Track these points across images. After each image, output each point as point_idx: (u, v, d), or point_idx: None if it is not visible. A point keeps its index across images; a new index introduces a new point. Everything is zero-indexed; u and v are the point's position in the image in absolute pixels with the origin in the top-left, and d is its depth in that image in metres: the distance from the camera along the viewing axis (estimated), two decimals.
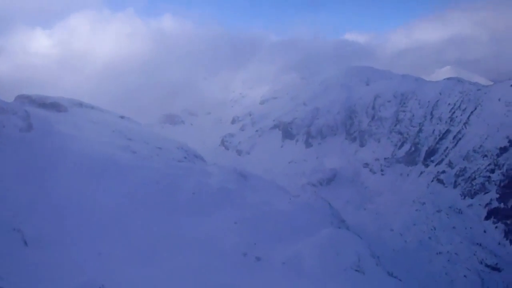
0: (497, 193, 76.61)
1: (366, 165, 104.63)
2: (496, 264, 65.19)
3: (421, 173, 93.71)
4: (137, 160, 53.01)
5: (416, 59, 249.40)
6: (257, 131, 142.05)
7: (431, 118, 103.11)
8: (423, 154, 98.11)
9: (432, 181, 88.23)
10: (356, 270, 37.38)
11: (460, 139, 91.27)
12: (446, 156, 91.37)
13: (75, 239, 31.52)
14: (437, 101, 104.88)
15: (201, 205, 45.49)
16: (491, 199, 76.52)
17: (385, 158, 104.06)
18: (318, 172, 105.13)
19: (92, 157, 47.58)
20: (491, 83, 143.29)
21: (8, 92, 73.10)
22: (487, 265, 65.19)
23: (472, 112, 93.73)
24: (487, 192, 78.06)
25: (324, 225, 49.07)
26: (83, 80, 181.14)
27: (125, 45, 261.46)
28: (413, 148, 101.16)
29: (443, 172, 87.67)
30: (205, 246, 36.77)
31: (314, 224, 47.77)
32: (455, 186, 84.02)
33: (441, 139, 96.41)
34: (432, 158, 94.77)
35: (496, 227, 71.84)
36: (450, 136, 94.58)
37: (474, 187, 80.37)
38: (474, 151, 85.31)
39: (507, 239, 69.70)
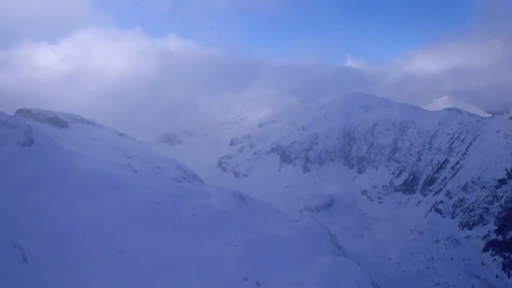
0: (495, 225, 76.32)
1: (364, 192, 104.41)
2: None
3: (419, 202, 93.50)
4: (138, 179, 52.63)
5: (414, 88, 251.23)
6: (255, 153, 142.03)
7: (430, 147, 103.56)
8: (421, 183, 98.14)
9: (430, 210, 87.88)
10: None
11: (458, 169, 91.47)
12: (444, 186, 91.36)
13: (74, 257, 30.98)
14: (436, 131, 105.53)
15: (202, 226, 45.00)
16: (489, 231, 76.15)
17: (383, 186, 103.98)
18: (316, 198, 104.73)
19: (94, 174, 47.21)
20: (487, 114, 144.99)
21: (11, 106, 72.92)
22: None
23: (471, 143, 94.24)
24: (485, 224, 77.76)
25: (324, 252, 48.56)
26: (86, 96, 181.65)
27: (130, 63, 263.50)
28: (411, 177, 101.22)
29: (441, 202, 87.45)
30: (205, 269, 36.22)
31: (314, 251, 47.27)
32: (453, 217, 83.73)
33: (439, 169, 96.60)
34: (430, 188, 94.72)
35: (494, 259, 71.23)
36: (449, 166, 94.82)
37: (472, 218, 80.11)
38: (473, 182, 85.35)
39: (505, 272, 68.94)
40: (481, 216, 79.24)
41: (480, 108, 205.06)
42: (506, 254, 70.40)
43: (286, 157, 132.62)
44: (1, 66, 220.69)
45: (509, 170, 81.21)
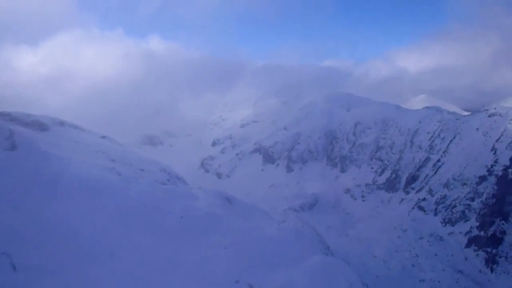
0: (477, 221, 77.81)
1: (347, 191, 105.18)
2: None
3: (402, 200, 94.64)
4: (124, 183, 51.66)
5: (393, 87, 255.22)
6: (237, 154, 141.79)
7: (411, 145, 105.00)
8: (403, 181, 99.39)
9: (413, 208, 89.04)
10: None
11: (439, 167, 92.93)
12: (426, 183, 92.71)
13: (66, 264, 30.13)
14: (417, 129, 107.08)
15: (190, 229, 44.44)
16: (471, 227, 77.59)
17: (366, 184, 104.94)
18: (300, 197, 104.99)
19: (80, 179, 46.09)
20: (464, 112, 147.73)
21: None
22: None
23: (451, 141, 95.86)
24: (467, 220, 79.22)
25: (313, 251, 48.67)
26: (68, 98, 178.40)
27: (112, 65, 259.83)
28: (393, 175, 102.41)
29: (424, 199, 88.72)
30: (196, 272, 35.75)
31: (303, 251, 47.27)
32: (435, 214, 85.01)
33: (421, 166, 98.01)
34: (412, 185, 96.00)
35: (477, 254, 72.61)
36: (430, 164, 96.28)
37: (454, 215, 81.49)
38: (454, 179, 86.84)
39: (487, 267, 70.40)
40: (463, 212, 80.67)
41: (457, 106, 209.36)
42: (489, 250, 71.83)
43: (268, 157, 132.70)
44: None
45: (489, 167, 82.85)
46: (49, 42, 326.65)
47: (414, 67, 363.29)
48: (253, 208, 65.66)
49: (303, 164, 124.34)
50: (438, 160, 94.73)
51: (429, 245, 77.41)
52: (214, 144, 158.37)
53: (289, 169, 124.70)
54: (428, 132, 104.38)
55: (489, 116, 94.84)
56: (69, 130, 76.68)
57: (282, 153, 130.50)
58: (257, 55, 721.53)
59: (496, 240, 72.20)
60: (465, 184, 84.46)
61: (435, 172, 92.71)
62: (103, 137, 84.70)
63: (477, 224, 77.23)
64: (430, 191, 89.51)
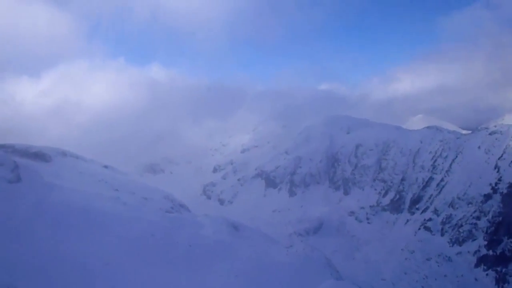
0: (484, 240, 77.18)
1: (351, 213, 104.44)
2: None
3: (407, 220, 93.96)
4: (129, 212, 51.25)
5: (390, 108, 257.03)
6: (239, 179, 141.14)
7: (414, 166, 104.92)
8: (408, 202, 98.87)
9: (419, 228, 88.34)
10: None
11: (443, 186, 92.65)
12: (431, 203, 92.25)
13: None
14: (419, 149, 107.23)
15: (199, 258, 43.87)
16: (479, 246, 76.91)
17: (370, 206, 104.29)
18: (304, 221, 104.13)
19: (86, 210, 45.72)
20: (462, 130, 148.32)
21: None
22: None
23: (453, 160, 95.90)
24: (475, 239, 78.54)
25: (323, 276, 47.95)
26: (70, 129, 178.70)
27: (114, 94, 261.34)
28: (397, 196, 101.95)
29: (430, 219, 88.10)
30: None
31: (314, 276, 46.64)
32: (442, 234, 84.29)
33: (425, 186, 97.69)
34: (417, 206, 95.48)
35: (486, 274, 71.77)
36: (434, 184, 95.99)
37: (461, 234, 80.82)
38: (459, 198, 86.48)
39: (498, 287, 69.45)
40: (470, 231, 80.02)
41: (454, 125, 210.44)
42: (498, 269, 71.04)
43: (271, 182, 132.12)
44: None
45: (493, 185, 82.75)
46: (51, 73, 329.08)
47: (410, 88, 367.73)
48: (259, 234, 64.98)
49: (305, 188, 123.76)
50: (442, 180, 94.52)
51: (438, 266, 76.60)
52: (215, 170, 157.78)
53: (292, 193, 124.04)
54: (430, 152, 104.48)
55: (490, 134, 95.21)
56: (71, 160, 76.52)
57: (284, 177, 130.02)
58: (258, 79, 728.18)
59: (505, 259, 71.52)
60: (470, 203, 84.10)
61: (439, 192, 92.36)
62: (106, 166, 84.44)
63: (485, 243, 76.59)
64: (435, 211, 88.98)
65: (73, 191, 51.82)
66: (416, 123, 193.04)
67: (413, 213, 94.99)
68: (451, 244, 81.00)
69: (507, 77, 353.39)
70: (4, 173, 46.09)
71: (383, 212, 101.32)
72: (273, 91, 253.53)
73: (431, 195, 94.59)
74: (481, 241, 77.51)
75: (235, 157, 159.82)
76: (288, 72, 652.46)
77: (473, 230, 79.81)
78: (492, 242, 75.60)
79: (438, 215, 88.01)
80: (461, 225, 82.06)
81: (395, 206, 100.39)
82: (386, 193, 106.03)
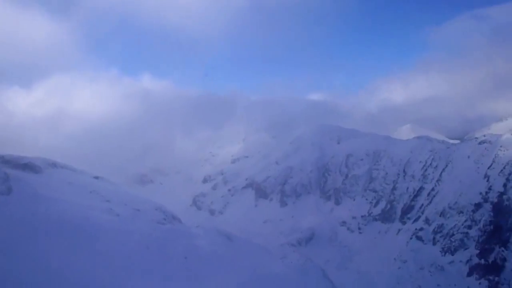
0: (476, 249, 77.62)
1: (343, 223, 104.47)
2: None
3: (399, 230, 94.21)
4: (123, 224, 50.52)
5: (379, 118, 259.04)
6: (229, 190, 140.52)
7: (404, 175, 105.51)
8: (399, 212, 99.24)
9: (411, 238, 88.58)
10: None
11: (434, 196, 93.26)
12: (422, 213, 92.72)
13: None
14: (409, 159, 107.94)
15: (195, 270, 43.34)
16: (471, 255, 77.31)
17: (362, 216, 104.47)
18: (296, 232, 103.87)
19: (78, 222, 44.97)
20: (450, 140, 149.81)
21: None
22: None
23: (443, 170, 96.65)
24: (466, 248, 78.96)
25: (320, 287, 47.81)
26: (61, 139, 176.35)
27: (106, 105, 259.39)
28: (388, 206, 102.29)
29: (421, 229, 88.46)
30: None
31: (311, 286, 46.41)
32: (434, 243, 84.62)
33: (415, 196, 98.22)
34: (408, 215, 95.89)
35: (479, 283, 72.07)
36: (425, 193, 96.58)
37: (453, 244, 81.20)
38: (450, 207, 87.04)
39: None
40: (461, 241, 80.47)
41: (441, 134, 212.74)
42: (491, 277, 71.41)
43: (261, 192, 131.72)
44: None
45: (484, 194, 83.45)
46: (42, 84, 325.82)
47: (399, 98, 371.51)
48: (253, 245, 64.53)
49: (296, 198, 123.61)
50: (432, 189, 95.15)
51: (431, 275, 76.82)
52: (205, 180, 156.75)
53: (283, 204, 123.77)
54: (420, 162, 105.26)
55: (479, 143, 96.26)
56: (61, 171, 75.33)
57: (275, 187, 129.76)
58: (250, 89, 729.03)
59: (497, 268, 71.89)
60: (461, 212, 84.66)
61: (430, 201, 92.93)
62: (96, 177, 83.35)
63: (477, 252, 77.00)
64: (427, 221, 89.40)
65: (65, 203, 50.94)
66: (405, 133, 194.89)
67: (404, 223, 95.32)
68: (443, 253, 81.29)
69: (493, 87, 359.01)
70: None
71: (375, 222, 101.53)
72: (264, 101, 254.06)
73: (422, 204, 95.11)
74: (473, 250, 77.94)
75: (225, 167, 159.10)
76: (280, 82, 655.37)
77: (465, 239, 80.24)
78: (484, 251, 76.04)
79: (429, 225, 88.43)
80: (453, 234, 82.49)
81: (387, 216, 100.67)
82: (377, 203, 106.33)
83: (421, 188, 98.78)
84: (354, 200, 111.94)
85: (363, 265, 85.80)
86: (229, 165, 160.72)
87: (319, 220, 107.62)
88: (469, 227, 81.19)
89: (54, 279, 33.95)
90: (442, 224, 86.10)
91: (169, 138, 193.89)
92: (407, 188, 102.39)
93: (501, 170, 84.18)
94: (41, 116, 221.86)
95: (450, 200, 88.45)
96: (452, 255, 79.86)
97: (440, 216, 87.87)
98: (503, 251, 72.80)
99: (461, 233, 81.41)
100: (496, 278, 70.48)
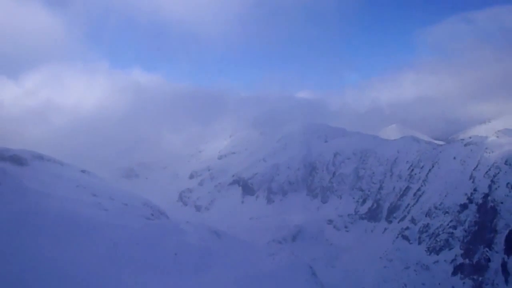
0: (461, 249, 78.59)
1: (330, 221, 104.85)
2: None
3: (385, 229, 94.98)
4: (111, 219, 49.95)
5: (366, 117, 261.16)
6: (216, 186, 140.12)
7: (391, 175, 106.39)
8: (385, 211, 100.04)
9: (397, 237, 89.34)
10: None
11: (420, 196, 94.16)
12: (408, 212, 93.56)
13: None
14: (396, 159, 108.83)
15: (186, 266, 42.94)
16: (456, 255, 78.24)
17: (348, 215, 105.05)
18: (282, 229, 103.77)
19: (65, 215, 44.24)
20: (435, 141, 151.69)
21: None
22: None
23: (430, 170, 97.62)
24: (451, 248, 79.89)
25: (309, 285, 47.93)
26: (49, 132, 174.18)
27: (96, 97, 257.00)
28: (375, 205, 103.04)
29: (407, 228, 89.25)
30: None
31: (300, 285, 46.45)
32: (419, 243, 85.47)
33: (402, 195, 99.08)
34: (394, 215, 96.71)
35: (464, 283, 72.98)
36: (411, 193, 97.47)
37: (438, 243, 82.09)
38: (435, 207, 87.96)
39: None
40: (446, 241, 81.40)
41: (425, 135, 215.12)
42: (475, 277, 72.34)
43: (248, 189, 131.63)
44: None
45: (469, 195, 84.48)
46: (31, 75, 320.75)
47: (385, 98, 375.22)
48: (241, 242, 64.34)
49: (283, 196, 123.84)
50: (419, 189, 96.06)
51: (416, 274, 77.55)
52: (191, 176, 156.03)
53: (270, 201, 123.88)
54: (407, 162, 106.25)
55: (465, 145, 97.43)
56: (48, 164, 74.31)
57: (262, 184, 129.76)
58: (242, 84, 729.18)
59: (481, 268, 72.86)
60: (446, 212, 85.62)
61: (416, 201, 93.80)
62: (83, 171, 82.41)
63: (462, 252, 77.98)
64: (412, 220, 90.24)
65: (54, 197, 50.18)
66: (390, 132, 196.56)
67: (390, 222, 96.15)
68: (428, 253, 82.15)
69: (479, 90, 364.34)
70: None
71: (361, 220, 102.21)
72: (253, 98, 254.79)
73: (408, 204, 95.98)
74: (457, 250, 78.91)
75: (212, 163, 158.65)
76: (269, 78, 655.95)
77: (450, 239, 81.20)
78: (469, 251, 77.06)
79: (415, 224, 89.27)
80: (438, 234, 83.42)
81: (373, 215, 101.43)
82: (364, 202, 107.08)
83: (407, 188, 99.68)
84: (341, 198, 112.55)
85: (350, 263, 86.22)
86: (216, 161, 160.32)
87: (305, 218, 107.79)
88: (454, 227, 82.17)
89: (44, 273, 33.29)
90: (428, 224, 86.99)
91: (157, 133, 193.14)
92: (394, 187, 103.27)
93: (486, 172, 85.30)
94: (29, 108, 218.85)
95: (436, 200, 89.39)
96: (437, 254, 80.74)
97: (425, 216, 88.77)
98: (487, 251, 73.82)
99: (446, 233, 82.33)
100: (480, 278, 71.46)
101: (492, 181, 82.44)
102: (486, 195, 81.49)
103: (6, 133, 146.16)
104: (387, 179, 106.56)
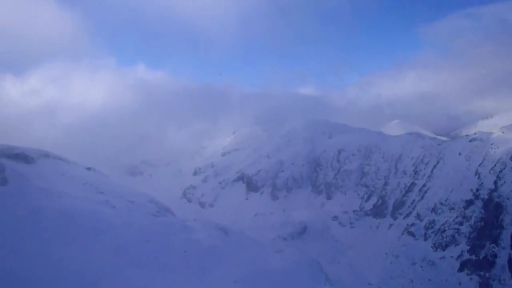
0: (467, 245, 78.60)
1: (335, 218, 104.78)
2: None
3: (391, 225, 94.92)
4: (120, 217, 49.81)
5: (369, 113, 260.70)
6: (220, 183, 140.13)
7: (396, 171, 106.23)
8: (390, 207, 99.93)
9: (403, 233, 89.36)
10: None
11: (425, 192, 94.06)
12: (413, 208, 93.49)
13: None
14: (400, 155, 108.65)
15: (195, 263, 42.89)
16: (462, 251, 78.25)
17: (353, 211, 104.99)
18: (287, 226, 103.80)
19: (75, 213, 44.24)
20: (438, 136, 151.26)
21: None
22: None
23: (435, 166, 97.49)
24: (457, 244, 79.89)
25: (318, 282, 47.93)
26: (54, 130, 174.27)
27: (102, 95, 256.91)
28: (380, 201, 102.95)
29: (413, 224, 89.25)
30: None
31: (309, 282, 46.41)
32: (425, 239, 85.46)
33: (407, 192, 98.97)
34: (400, 211, 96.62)
35: (470, 278, 73.01)
36: (416, 189, 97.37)
37: (444, 239, 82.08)
38: (441, 203, 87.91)
39: None
40: (452, 236, 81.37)
41: (428, 131, 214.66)
42: (482, 273, 72.36)
43: (252, 186, 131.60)
44: None
45: (475, 191, 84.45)
46: (37, 73, 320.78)
47: (389, 93, 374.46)
48: (248, 239, 64.35)
49: (288, 192, 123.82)
50: (424, 185, 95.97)
51: (422, 270, 77.60)
52: (195, 173, 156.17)
53: (274, 197, 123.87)
54: (412, 158, 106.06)
55: (470, 141, 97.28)
56: (54, 162, 74.14)
57: (266, 181, 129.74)
58: (246, 81, 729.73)
59: (488, 264, 72.90)
60: (452, 208, 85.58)
61: (422, 197, 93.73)
62: (88, 168, 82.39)
63: (468, 248, 78.00)
64: (418, 216, 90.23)
65: (62, 194, 50.14)
66: (393, 128, 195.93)
67: (396, 218, 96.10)
68: (434, 249, 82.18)
69: (482, 86, 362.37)
70: None
71: (366, 217, 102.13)
72: (257, 94, 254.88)
73: (414, 200, 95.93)
74: (464, 246, 78.93)
75: (215, 160, 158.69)
76: (273, 74, 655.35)
77: (456, 235, 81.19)
78: (475, 247, 77.07)
79: (421, 220, 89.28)
80: (444, 230, 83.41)
81: (378, 211, 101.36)
82: (368, 198, 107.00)
83: (412, 184, 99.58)
84: (345, 194, 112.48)
85: (356, 260, 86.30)
86: (220, 158, 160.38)
87: (310, 214, 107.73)
88: (460, 223, 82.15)
89: (55, 271, 33.30)
90: (434, 220, 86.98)
91: (162, 130, 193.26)
92: (399, 183, 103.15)
93: (492, 168, 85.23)
94: (35, 106, 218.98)
95: (441, 196, 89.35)
96: (443, 250, 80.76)
97: (431, 212, 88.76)
98: (494, 247, 73.83)
99: (452, 229, 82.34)
100: (487, 274, 71.55)
101: (498, 177, 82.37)
102: (492, 191, 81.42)
103: (13, 131, 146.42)
104: (392, 175, 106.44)
